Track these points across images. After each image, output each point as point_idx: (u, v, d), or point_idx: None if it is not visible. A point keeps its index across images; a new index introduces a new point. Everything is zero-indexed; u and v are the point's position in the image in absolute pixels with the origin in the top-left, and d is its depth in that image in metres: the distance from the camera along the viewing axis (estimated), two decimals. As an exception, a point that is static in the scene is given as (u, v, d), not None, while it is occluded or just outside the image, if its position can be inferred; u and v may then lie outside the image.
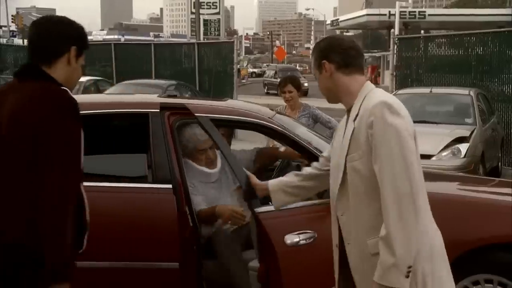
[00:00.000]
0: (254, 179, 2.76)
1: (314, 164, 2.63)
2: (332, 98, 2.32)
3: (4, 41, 37.77)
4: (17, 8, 73.93)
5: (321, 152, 3.02)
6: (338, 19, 51.28)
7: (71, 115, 1.94)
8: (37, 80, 2.01)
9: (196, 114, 3.08)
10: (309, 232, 2.94)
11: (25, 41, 44.40)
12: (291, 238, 2.89)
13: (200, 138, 3.59)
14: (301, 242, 2.90)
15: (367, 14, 42.06)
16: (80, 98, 3.64)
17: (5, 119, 1.93)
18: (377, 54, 45.30)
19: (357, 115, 2.15)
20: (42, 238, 1.85)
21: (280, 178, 2.69)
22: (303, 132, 3.55)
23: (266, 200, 2.77)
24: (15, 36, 47.83)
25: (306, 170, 2.64)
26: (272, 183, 2.66)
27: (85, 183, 3.13)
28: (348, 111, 2.25)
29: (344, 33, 57.61)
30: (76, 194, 2.00)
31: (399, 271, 1.96)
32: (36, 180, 1.86)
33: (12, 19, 49.84)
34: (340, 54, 2.23)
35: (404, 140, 2.01)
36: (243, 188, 2.78)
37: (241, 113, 3.49)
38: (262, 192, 2.69)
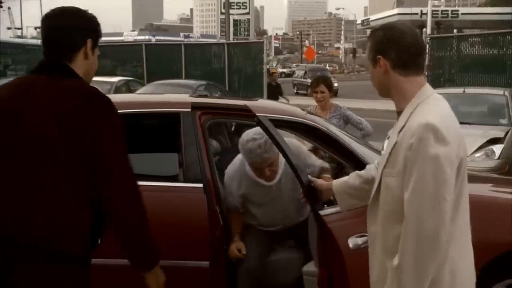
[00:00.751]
0: (318, 181, 2.63)
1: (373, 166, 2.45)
2: (385, 93, 2.08)
3: (38, 42, 38.43)
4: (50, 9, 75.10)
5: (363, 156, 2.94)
6: (368, 18, 50.85)
7: (115, 110, 1.96)
8: (69, 78, 1.97)
9: (257, 114, 2.87)
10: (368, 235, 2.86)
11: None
12: (354, 241, 2.79)
13: (259, 157, 3.32)
14: (363, 245, 2.76)
15: (399, 14, 41.61)
16: (112, 98, 3.69)
17: (43, 118, 1.87)
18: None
19: (403, 127, 1.94)
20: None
21: (343, 179, 2.51)
22: (342, 135, 3.51)
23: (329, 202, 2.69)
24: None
25: (368, 172, 2.42)
26: (336, 185, 2.49)
27: None
28: (398, 113, 2.04)
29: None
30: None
31: None
32: (102, 183, 1.90)
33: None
34: (398, 51, 1.97)
35: (442, 173, 1.81)
36: (307, 191, 2.64)
37: (289, 113, 3.45)
38: (327, 193, 2.56)
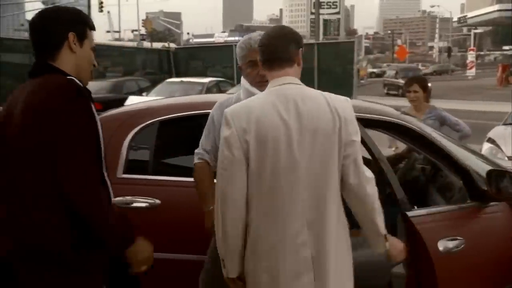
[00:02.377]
0: None
1: None
2: None
3: (134, 44, 40.06)
4: (146, 13, 78.43)
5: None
6: (466, 15, 48.86)
7: (74, 102, 1.86)
8: (43, 75, 1.97)
9: None
10: (459, 239, 2.77)
11: (153, 44, 47.08)
12: (444, 244, 2.73)
13: None
14: (454, 249, 2.73)
15: (499, 10, 39.61)
16: (168, 101, 3.73)
17: (18, 119, 1.89)
18: (508, 52, 42.47)
19: None
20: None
21: None
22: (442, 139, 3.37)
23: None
24: (144, 40, 50.78)
25: None
26: None
27: (176, 178, 3.23)
28: None
29: (473, 31, 54.68)
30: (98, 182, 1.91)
31: None
32: (59, 175, 1.82)
33: (142, 23, 52.97)
34: None
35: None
36: (398, 195, 2.62)
37: (381, 113, 3.36)
38: None
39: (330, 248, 2.03)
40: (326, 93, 2.13)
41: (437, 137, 3.25)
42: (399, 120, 3.26)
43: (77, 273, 1.91)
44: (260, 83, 2.60)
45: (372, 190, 2.08)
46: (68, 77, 1.94)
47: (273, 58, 2.13)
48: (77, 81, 1.94)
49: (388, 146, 4.96)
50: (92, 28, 2.11)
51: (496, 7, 41.82)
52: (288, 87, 2.09)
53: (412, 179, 4.02)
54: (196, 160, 2.79)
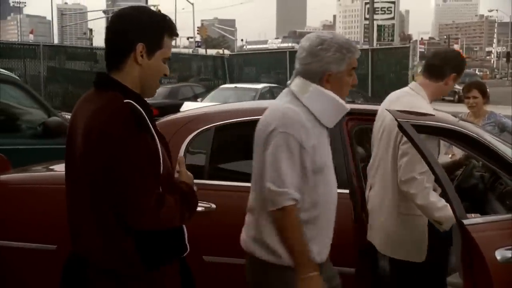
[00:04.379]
0: None
1: None
2: None
3: (190, 51, 40.71)
4: (201, 20, 79.62)
5: None
6: (526, 19, 47.11)
7: (130, 128, 1.78)
8: (106, 90, 1.87)
9: (398, 120, 2.72)
10: None
11: (208, 51, 47.77)
12: (502, 254, 2.62)
13: None
14: None
15: (561, 13, 38.00)
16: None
17: (80, 132, 1.86)
18: None
19: None
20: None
21: None
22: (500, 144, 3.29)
23: None
24: (199, 47, 51.59)
25: None
26: None
27: (231, 183, 3.25)
28: None
29: (533, 35, 52.64)
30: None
31: None
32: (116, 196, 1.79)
33: (197, 30, 53.86)
34: None
35: None
36: (453, 204, 2.56)
37: (437, 119, 3.31)
38: None
39: None
40: None
41: (497, 143, 3.17)
42: (456, 127, 3.20)
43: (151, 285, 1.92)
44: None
45: None
46: (125, 100, 1.81)
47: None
48: (134, 104, 1.82)
49: (444, 153, 4.88)
50: (173, 35, 1.96)
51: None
52: None
53: (471, 186, 3.93)
54: (286, 202, 2.14)
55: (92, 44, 46.02)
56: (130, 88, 1.89)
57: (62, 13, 42.54)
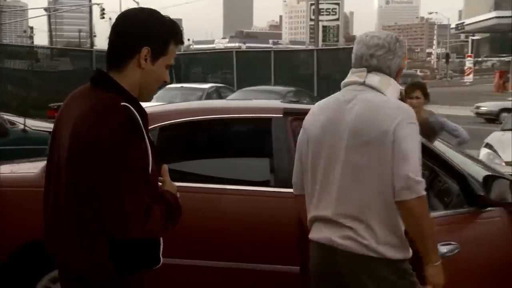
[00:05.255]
0: None
1: None
2: None
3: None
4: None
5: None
6: (463, 22, 48.94)
7: (124, 132, 1.73)
8: (103, 89, 1.82)
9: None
10: (453, 244, 2.78)
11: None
12: (439, 249, 2.62)
13: None
14: (447, 254, 2.71)
15: (497, 17, 39.66)
16: (206, 103, 3.77)
17: (68, 130, 1.79)
18: (506, 59, 42.59)
19: None
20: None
21: None
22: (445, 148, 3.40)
23: None
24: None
25: None
26: None
27: (213, 185, 3.29)
28: None
29: (470, 37, 54.77)
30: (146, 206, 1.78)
31: None
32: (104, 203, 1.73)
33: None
34: None
35: None
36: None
37: None
38: None
39: None
40: None
41: (435, 142, 3.28)
42: None
43: None
44: None
45: None
46: (122, 103, 1.76)
47: None
48: (130, 108, 1.76)
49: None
50: (179, 42, 1.94)
51: (494, 14, 41.83)
52: None
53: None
54: (424, 191, 2.19)
55: (33, 42, 44.60)
56: (128, 91, 1.84)
57: (1, 10, 40.96)
